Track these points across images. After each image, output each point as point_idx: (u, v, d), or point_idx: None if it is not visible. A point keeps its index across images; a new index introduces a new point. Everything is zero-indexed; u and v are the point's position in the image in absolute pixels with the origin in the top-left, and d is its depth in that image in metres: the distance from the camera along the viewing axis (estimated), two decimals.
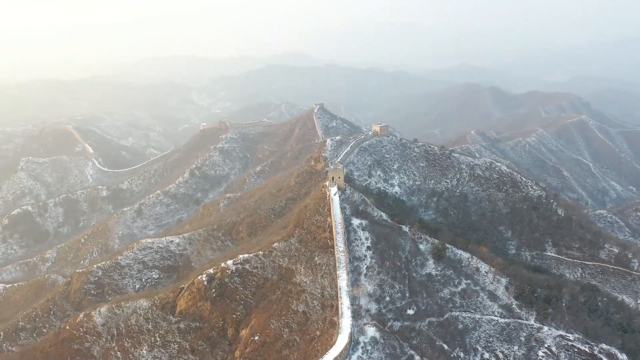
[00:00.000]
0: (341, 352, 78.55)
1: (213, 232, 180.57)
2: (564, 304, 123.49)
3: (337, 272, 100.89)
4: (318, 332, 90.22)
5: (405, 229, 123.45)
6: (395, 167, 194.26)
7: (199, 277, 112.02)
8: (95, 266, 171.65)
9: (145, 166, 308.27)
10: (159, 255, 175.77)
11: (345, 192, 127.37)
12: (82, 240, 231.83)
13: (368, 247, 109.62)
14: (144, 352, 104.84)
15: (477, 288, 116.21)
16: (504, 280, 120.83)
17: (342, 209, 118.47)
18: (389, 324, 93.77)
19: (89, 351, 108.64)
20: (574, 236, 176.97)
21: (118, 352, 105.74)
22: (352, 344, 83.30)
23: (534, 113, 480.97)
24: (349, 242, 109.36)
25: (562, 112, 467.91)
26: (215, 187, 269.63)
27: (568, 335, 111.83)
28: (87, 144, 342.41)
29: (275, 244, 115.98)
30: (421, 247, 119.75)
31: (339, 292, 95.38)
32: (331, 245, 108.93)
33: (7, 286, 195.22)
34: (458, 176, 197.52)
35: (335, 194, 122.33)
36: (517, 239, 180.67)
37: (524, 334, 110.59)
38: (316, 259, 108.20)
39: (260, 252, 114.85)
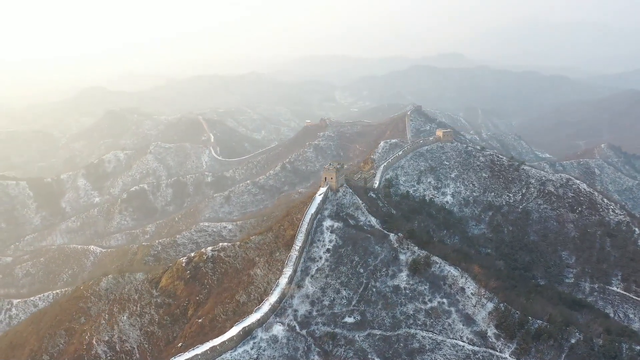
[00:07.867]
0: (223, 342, 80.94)
1: (262, 222, 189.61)
2: (569, 343, 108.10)
3: (284, 270, 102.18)
4: None
5: (393, 237, 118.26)
6: (452, 175, 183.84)
7: (180, 259, 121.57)
8: (157, 241, 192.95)
9: (251, 157, 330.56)
10: (211, 239, 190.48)
11: (337, 193, 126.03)
12: (176, 218, 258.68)
13: (327, 250, 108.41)
14: (125, 318, 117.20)
15: (451, 309, 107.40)
16: (490, 305, 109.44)
17: (320, 209, 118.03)
18: (313, 327, 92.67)
19: (89, 310, 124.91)
20: None
21: (106, 315, 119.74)
22: (248, 338, 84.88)
23: None
24: (311, 243, 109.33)
25: None
26: (303, 182, 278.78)
27: None
28: (212, 134, 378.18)
29: (253, 237, 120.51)
30: (401, 257, 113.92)
31: (274, 288, 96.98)
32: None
33: (103, 250, 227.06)
34: (524, 191, 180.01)
35: (320, 194, 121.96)
36: (580, 267, 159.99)
37: None
38: (277, 254, 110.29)
39: (238, 242, 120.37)
